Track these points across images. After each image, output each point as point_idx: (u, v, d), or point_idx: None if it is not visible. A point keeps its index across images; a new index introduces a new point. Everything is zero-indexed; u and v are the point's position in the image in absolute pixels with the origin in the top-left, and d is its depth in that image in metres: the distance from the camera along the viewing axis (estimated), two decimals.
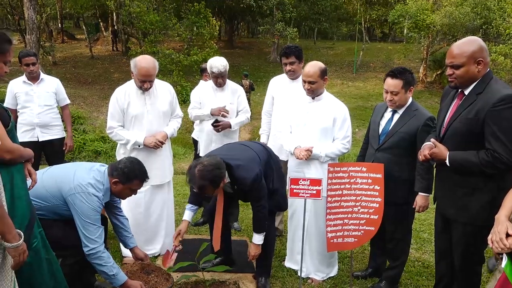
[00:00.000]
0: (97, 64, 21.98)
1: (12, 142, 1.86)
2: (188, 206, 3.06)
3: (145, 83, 3.23)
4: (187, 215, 3.04)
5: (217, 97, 4.00)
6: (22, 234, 1.70)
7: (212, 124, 3.90)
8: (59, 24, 28.57)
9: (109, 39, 25.97)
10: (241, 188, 2.83)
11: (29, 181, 2.06)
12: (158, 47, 17.73)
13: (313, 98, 3.23)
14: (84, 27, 27.02)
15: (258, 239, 2.94)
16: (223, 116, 3.89)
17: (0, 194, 1.64)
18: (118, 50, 24.57)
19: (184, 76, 17.02)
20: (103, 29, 29.58)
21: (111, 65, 21.85)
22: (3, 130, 1.81)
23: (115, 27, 24.72)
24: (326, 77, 3.19)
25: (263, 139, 4.06)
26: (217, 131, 3.91)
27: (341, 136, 3.19)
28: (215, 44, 18.52)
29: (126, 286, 2.60)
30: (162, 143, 3.39)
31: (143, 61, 3.19)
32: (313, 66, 3.14)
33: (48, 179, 2.57)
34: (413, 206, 2.87)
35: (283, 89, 3.83)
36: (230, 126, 3.90)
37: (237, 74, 17.32)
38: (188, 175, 2.65)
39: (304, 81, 3.15)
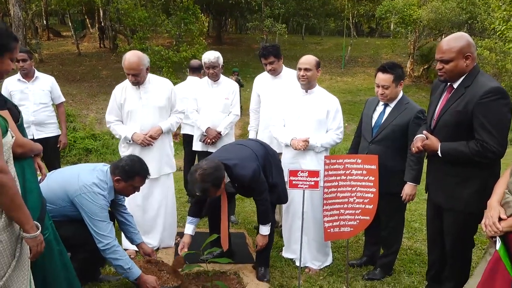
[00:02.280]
0: (85, 61, 21.74)
1: (23, 137, 1.93)
2: (189, 219, 3.11)
3: (130, 76, 3.33)
4: (189, 229, 3.09)
5: (213, 92, 4.09)
6: (39, 225, 1.76)
7: (200, 140, 4.10)
8: (44, 21, 28.12)
9: (96, 36, 25.64)
10: (241, 185, 2.94)
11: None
12: (147, 44, 17.63)
13: (306, 91, 3.36)
14: (70, 24, 26.65)
15: (265, 230, 3.07)
16: (212, 142, 4.04)
17: (17, 186, 1.70)
18: (106, 47, 24.31)
19: (174, 72, 16.98)
20: (89, 25, 29.21)
21: (99, 62, 21.62)
22: (14, 125, 1.87)
23: (102, 24, 24.45)
24: (319, 68, 3.38)
25: (251, 135, 4.20)
26: (207, 143, 4.06)
27: (334, 127, 3.34)
28: (204, 41, 18.48)
29: (142, 280, 2.67)
30: (154, 138, 3.45)
31: (128, 55, 3.33)
32: (309, 57, 3.36)
33: (53, 183, 2.63)
34: (401, 195, 3.01)
35: (267, 86, 4.00)
36: (219, 135, 4.04)
37: (226, 70, 17.31)
38: (190, 180, 2.74)
39: (300, 69, 3.29)
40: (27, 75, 4.42)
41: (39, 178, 2.11)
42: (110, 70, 19.82)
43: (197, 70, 5.00)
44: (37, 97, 4.44)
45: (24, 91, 4.40)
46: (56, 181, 2.64)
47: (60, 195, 2.60)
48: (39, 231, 1.74)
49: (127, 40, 20.44)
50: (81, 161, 10.56)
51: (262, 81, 4.07)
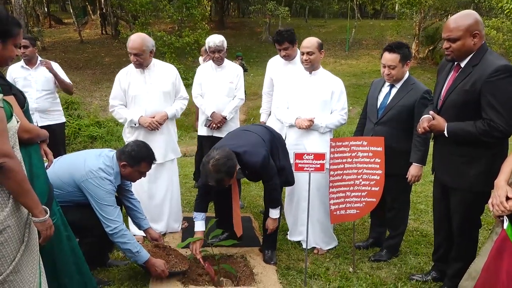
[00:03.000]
0: (87, 48, 21.62)
1: (29, 122, 1.93)
2: (198, 216, 3.05)
3: (132, 56, 3.32)
4: (199, 225, 3.04)
5: (217, 77, 4.07)
6: (47, 209, 1.78)
7: (206, 125, 4.10)
8: (46, 8, 27.93)
9: (98, 22, 25.45)
10: (252, 171, 2.94)
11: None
12: (149, 30, 17.46)
13: (310, 72, 3.35)
14: (71, 11, 26.44)
15: (275, 213, 3.08)
16: (217, 126, 4.04)
17: (24, 171, 1.70)
18: (108, 34, 24.16)
19: (176, 58, 16.87)
20: (90, 12, 28.98)
21: (101, 49, 21.50)
22: (20, 111, 1.87)
23: (104, 10, 24.25)
24: (322, 50, 3.35)
25: (263, 118, 4.22)
26: (212, 128, 4.05)
27: (339, 107, 3.34)
28: (206, 25, 18.28)
29: (150, 264, 2.69)
30: (160, 124, 3.44)
31: (133, 36, 3.35)
32: (311, 39, 3.33)
33: (60, 168, 2.64)
34: (406, 176, 2.99)
35: (280, 71, 3.96)
36: (224, 119, 4.03)
37: (229, 55, 17.17)
38: (203, 171, 2.71)
39: (303, 53, 3.28)
40: (30, 62, 4.41)
41: (45, 164, 2.12)
42: (112, 56, 19.73)
43: None
44: (39, 84, 4.43)
45: (27, 77, 4.39)
46: (63, 167, 2.65)
47: (66, 181, 2.62)
48: (48, 215, 1.75)
49: (129, 26, 20.26)
50: (87, 148, 10.61)
51: (276, 65, 4.04)
